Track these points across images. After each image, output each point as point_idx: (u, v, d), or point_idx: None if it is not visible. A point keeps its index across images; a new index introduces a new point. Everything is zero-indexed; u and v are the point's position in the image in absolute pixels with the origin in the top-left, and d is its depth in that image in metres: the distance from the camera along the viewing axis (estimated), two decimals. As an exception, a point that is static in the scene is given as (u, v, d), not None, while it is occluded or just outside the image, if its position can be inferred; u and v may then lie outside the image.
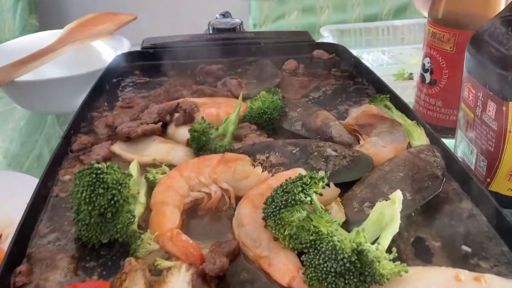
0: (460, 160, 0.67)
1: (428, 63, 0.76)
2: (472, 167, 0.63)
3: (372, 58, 1.09)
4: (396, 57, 1.09)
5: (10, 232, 0.56)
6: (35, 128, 0.94)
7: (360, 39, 1.15)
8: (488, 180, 0.60)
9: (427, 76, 0.77)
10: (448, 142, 0.68)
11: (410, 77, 0.96)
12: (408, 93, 0.86)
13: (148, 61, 0.87)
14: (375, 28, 1.16)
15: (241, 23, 0.96)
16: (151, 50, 0.88)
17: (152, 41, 0.91)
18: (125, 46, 0.97)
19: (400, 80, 0.97)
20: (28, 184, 0.62)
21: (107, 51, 1.00)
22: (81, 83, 0.84)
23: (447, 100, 0.76)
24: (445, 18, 0.72)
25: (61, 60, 0.95)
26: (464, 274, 0.39)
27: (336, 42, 1.03)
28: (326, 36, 1.11)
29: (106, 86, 0.79)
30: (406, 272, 0.39)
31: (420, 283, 0.39)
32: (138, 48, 0.91)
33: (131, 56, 0.88)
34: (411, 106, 0.79)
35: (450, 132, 0.73)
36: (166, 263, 0.43)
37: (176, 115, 0.64)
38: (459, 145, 0.67)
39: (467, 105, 0.63)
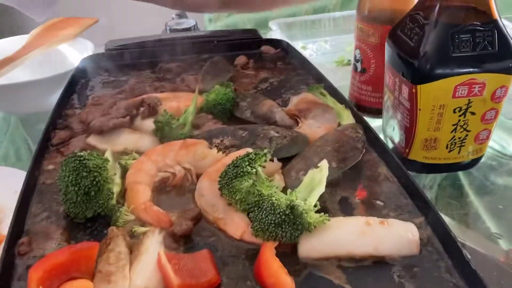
0: (384, 135, 0.78)
1: (359, 54, 0.86)
2: (396, 141, 0.75)
3: (316, 47, 1.17)
4: (337, 45, 1.17)
5: (3, 217, 0.63)
6: None
7: (306, 31, 1.23)
8: (407, 150, 0.69)
9: (359, 66, 0.87)
10: (379, 121, 0.79)
11: (349, 63, 1.06)
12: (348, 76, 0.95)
13: (112, 61, 0.94)
14: (319, 20, 1.24)
15: (195, 24, 1.05)
16: (114, 51, 0.95)
17: (115, 43, 0.98)
18: (89, 48, 1.02)
19: (340, 66, 1.07)
20: (11, 176, 0.70)
21: (72, 53, 1.04)
22: (50, 85, 0.90)
23: (375, 85, 0.84)
24: (370, 15, 0.80)
25: (29, 64, 0.98)
26: (372, 219, 0.50)
27: (284, 34, 1.11)
28: (275, 29, 1.18)
29: (76, 86, 0.86)
30: (329, 220, 0.49)
31: (340, 229, 0.49)
32: (101, 50, 0.97)
33: (97, 58, 0.94)
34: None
35: (380, 113, 0.82)
36: (142, 229, 0.52)
37: (142, 109, 0.72)
38: (386, 124, 0.77)
39: (388, 89, 0.73)
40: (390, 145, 0.74)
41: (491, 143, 0.76)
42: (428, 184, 0.72)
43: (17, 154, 0.90)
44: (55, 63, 1.02)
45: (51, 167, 0.64)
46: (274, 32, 1.18)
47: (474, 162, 0.73)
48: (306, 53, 1.10)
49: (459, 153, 0.69)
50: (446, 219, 0.56)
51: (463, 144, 0.68)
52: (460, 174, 0.73)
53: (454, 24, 0.61)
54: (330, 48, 1.18)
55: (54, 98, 0.79)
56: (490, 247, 0.60)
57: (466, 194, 0.70)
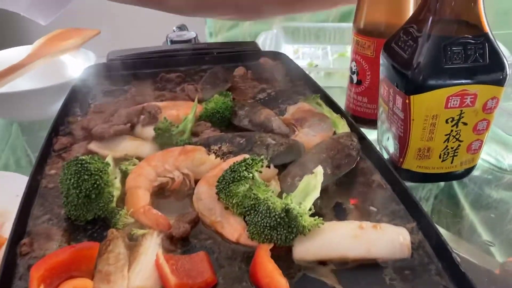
0: (379, 145, 0.79)
1: (354, 66, 0.88)
2: (390, 151, 0.76)
3: (308, 52, 1.19)
4: (329, 54, 1.20)
5: (5, 221, 0.64)
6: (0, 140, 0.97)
7: (308, 37, 1.25)
8: (401, 160, 0.71)
9: (354, 77, 0.89)
10: (375, 132, 0.80)
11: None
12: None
13: (114, 71, 0.95)
14: (323, 29, 1.27)
15: (196, 36, 1.07)
16: (116, 62, 0.97)
17: (117, 54, 1.00)
18: (91, 58, 1.04)
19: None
20: (12, 180, 0.71)
21: (75, 64, 1.06)
22: (52, 94, 0.91)
23: (371, 96, 0.86)
24: (366, 29, 0.82)
25: (32, 73, 1.00)
26: (365, 223, 0.51)
27: (282, 36, 1.14)
28: (275, 31, 1.21)
29: (78, 95, 0.87)
30: (323, 224, 0.50)
31: (333, 232, 0.51)
32: (103, 60, 0.99)
33: (99, 67, 0.95)
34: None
35: (376, 124, 0.82)
36: (141, 231, 0.53)
37: (142, 117, 0.73)
38: (380, 134, 0.78)
39: (383, 100, 0.75)
40: (385, 155, 0.75)
41: (486, 156, 0.78)
42: (425, 196, 0.73)
43: (18, 162, 0.91)
44: (58, 73, 1.04)
45: (53, 171, 0.65)
46: (271, 33, 1.19)
47: (467, 172, 0.74)
48: (293, 56, 1.13)
49: (452, 162, 0.70)
50: (442, 231, 0.57)
51: (455, 154, 0.70)
52: (456, 187, 0.74)
53: (446, 36, 0.63)
54: (320, 55, 1.21)
55: (55, 106, 0.80)
56: (485, 260, 0.61)
57: (462, 207, 0.71)
